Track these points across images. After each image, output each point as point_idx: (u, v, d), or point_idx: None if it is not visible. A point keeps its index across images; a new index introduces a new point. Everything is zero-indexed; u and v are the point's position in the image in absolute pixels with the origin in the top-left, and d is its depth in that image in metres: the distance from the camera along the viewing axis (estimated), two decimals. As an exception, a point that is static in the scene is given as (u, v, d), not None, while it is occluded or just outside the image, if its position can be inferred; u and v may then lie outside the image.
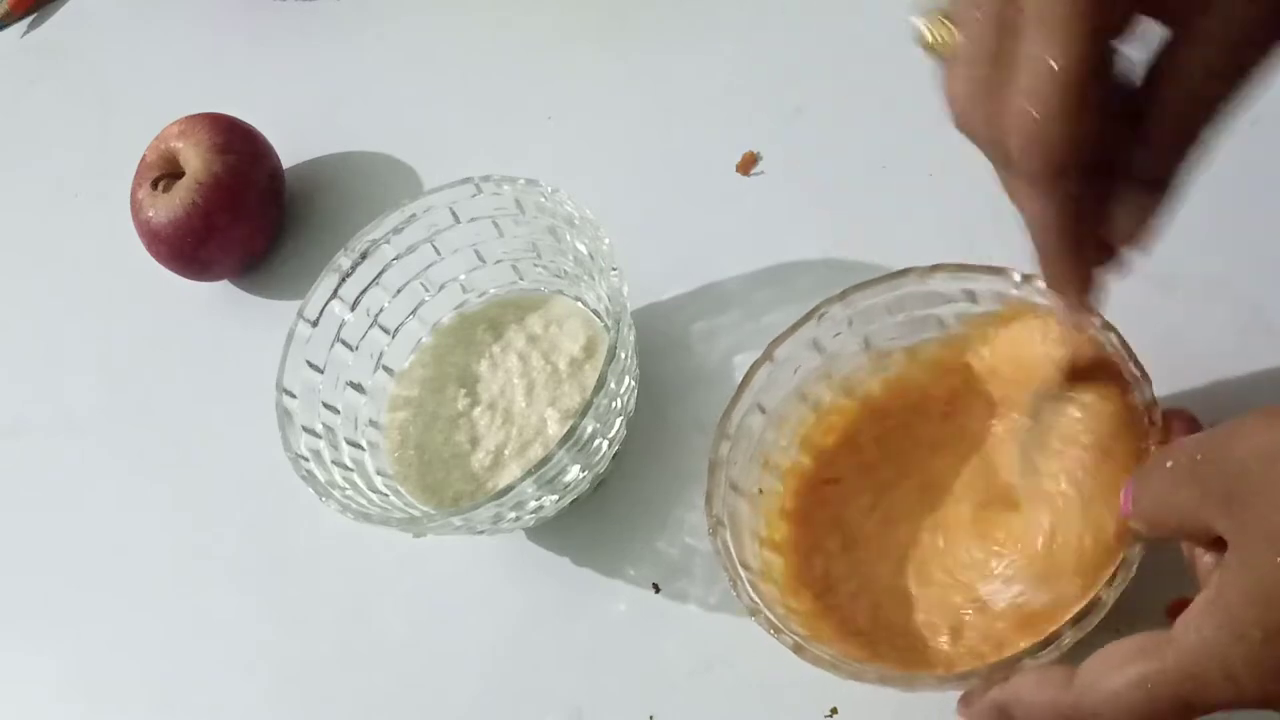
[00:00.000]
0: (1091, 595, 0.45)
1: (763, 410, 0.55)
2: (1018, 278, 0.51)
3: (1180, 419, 0.47)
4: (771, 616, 0.49)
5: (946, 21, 0.43)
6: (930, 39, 0.44)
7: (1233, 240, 0.58)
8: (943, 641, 0.50)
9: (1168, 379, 0.49)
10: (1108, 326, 0.49)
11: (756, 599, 0.50)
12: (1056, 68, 0.36)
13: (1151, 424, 0.47)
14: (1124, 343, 0.49)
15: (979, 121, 0.39)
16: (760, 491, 0.54)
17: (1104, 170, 0.39)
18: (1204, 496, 0.38)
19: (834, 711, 0.54)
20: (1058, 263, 0.42)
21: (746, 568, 0.51)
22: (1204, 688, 0.37)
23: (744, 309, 0.65)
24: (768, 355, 0.55)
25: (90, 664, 0.70)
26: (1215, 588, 0.37)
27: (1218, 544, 0.39)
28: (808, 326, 0.55)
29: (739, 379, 0.55)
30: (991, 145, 0.40)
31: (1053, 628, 0.46)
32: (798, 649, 0.48)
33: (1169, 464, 0.40)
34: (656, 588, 0.60)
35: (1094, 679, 0.40)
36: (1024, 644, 0.47)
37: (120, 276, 0.82)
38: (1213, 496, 0.38)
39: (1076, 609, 0.45)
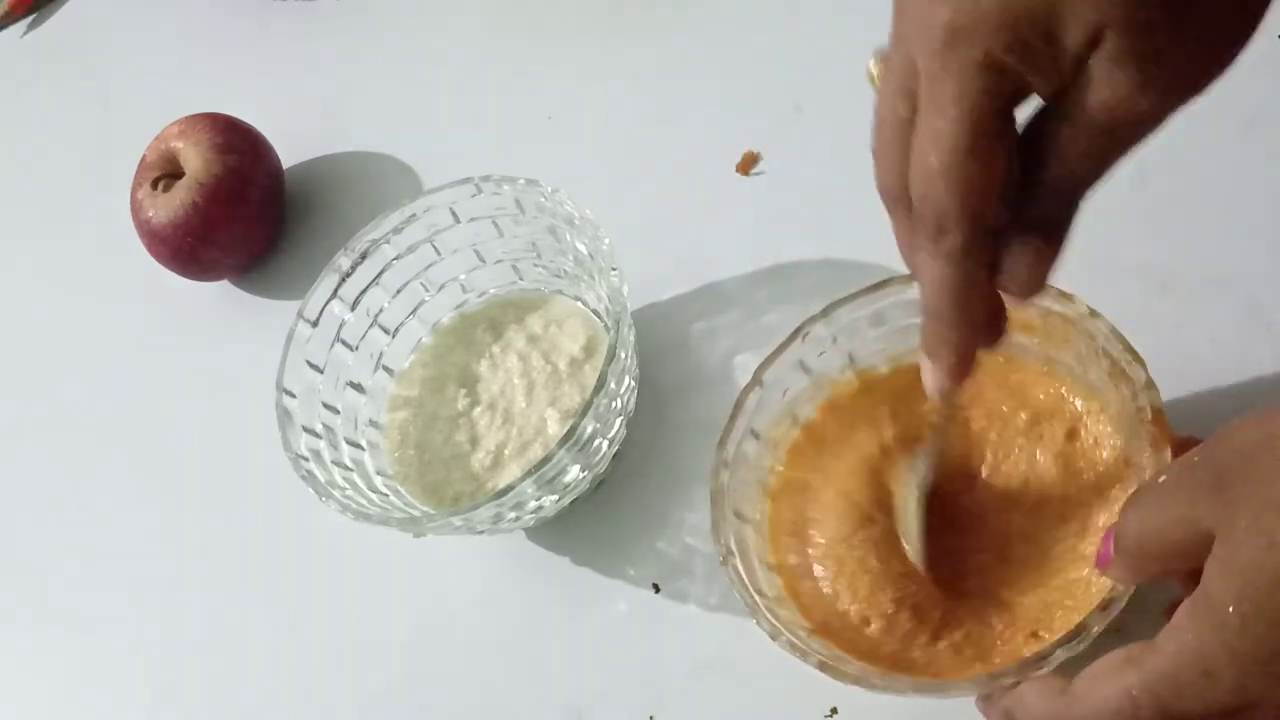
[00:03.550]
0: (1111, 587, 0.45)
1: (756, 435, 0.55)
2: None
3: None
4: (794, 639, 0.49)
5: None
6: (872, 77, 0.46)
7: (1232, 240, 0.58)
8: (955, 644, 0.50)
9: (1168, 379, 0.49)
10: (1115, 333, 0.49)
11: (777, 623, 0.49)
12: (944, 131, 0.38)
13: (1154, 438, 0.47)
14: (1130, 348, 0.49)
15: (885, 180, 0.42)
16: (761, 517, 0.54)
17: (995, 230, 0.40)
18: (1196, 493, 0.38)
19: (834, 711, 0.54)
20: (941, 324, 0.42)
21: (761, 593, 0.51)
22: (1181, 690, 0.37)
23: (744, 309, 0.65)
24: (756, 380, 0.54)
25: (90, 664, 0.70)
26: (1200, 586, 0.37)
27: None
28: (793, 348, 0.55)
29: (739, 379, 0.55)
30: (886, 187, 0.42)
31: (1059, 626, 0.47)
32: (823, 668, 0.48)
33: (1161, 479, 0.40)
34: (656, 588, 0.60)
35: (1085, 690, 0.40)
36: (1044, 639, 0.47)
37: (120, 276, 0.82)
38: (1203, 490, 0.37)
39: (1102, 597, 0.45)
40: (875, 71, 0.45)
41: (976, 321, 0.43)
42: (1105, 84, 0.37)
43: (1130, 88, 0.37)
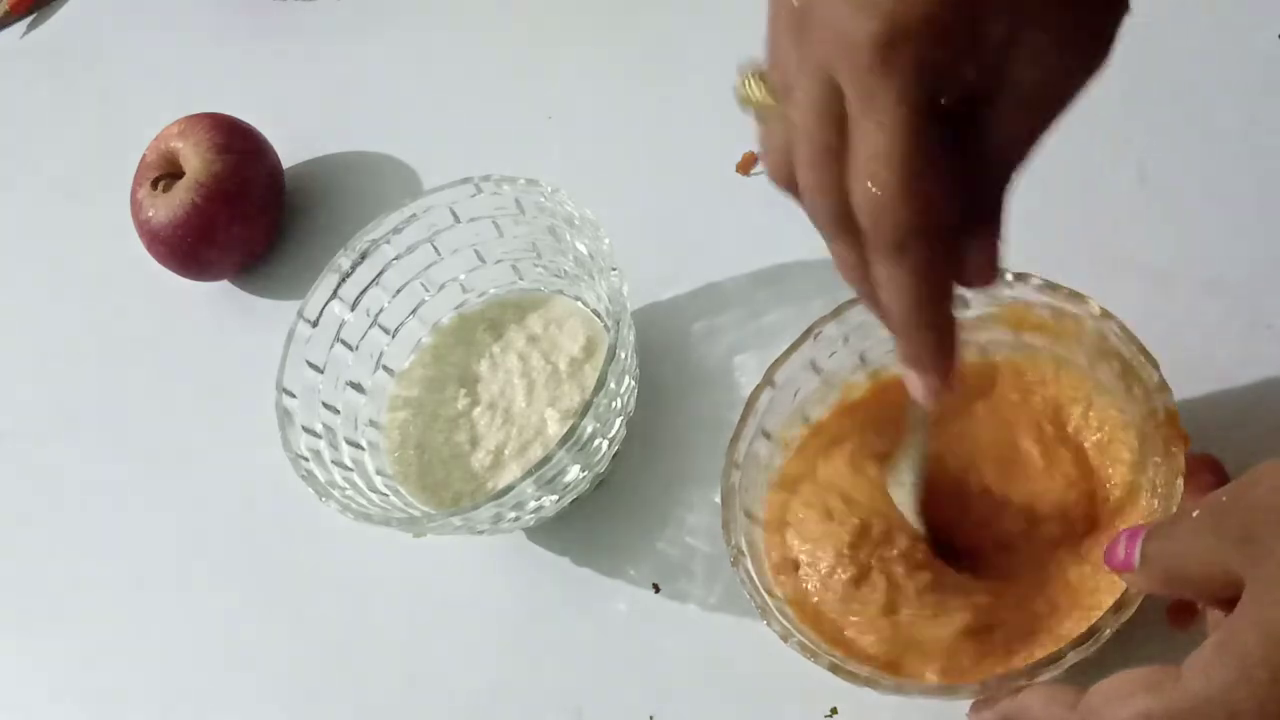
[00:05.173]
0: (1124, 590, 0.45)
1: (767, 435, 0.54)
2: (1009, 277, 0.51)
3: (1207, 468, 0.46)
4: (804, 640, 0.49)
5: (762, 81, 0.43)
6: (747, 96, 0.44)
7: (1233, 240, 0.58)
8: (970, 643, 0.50)
9: (1167, 379, 0.49)
10: (1127, 334, 0.49)
11: (787, 624, 0.49)
12: (894, 147, 0.37)
13: (1167, 440, 0.47)
14: (1143, 349, 0.49)
15: (823, 208, 0.41)
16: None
17: (951, 226, 0.40)
18: (1224, 539, 0.38)
19: (834, 711, 0.54)
20: (925, 334, 0.41)
21: (771, 594, 0.51)
22: None
23: (744, 309, 0.65)
24: (768, 380, 0.54)
25: (89, 664, 0.70)
26: (1227, 629, 0.37)
27: (1234, 602, 0.38)
28: (804, 347, 0.55)
29: (739, 379, 0.54)
30: (830, 216, 0.41)
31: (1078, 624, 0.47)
32: (834, 669, 0.48)
33: (1195, 514, 0.40)
34: (656, 588, 0.60)
35: (1100, 705, 0.40)
36: (1059, 640, 0.47)
37: (120, 276, 0.82)
38: (1232, 538, 0.38)
39: (1115, 598, 0.45)
40: (752, 89, 0.43)
41: (953, 321, 0.42)
42: (1033, 66, 0.38)
43: (1057, 69, 0.38)
